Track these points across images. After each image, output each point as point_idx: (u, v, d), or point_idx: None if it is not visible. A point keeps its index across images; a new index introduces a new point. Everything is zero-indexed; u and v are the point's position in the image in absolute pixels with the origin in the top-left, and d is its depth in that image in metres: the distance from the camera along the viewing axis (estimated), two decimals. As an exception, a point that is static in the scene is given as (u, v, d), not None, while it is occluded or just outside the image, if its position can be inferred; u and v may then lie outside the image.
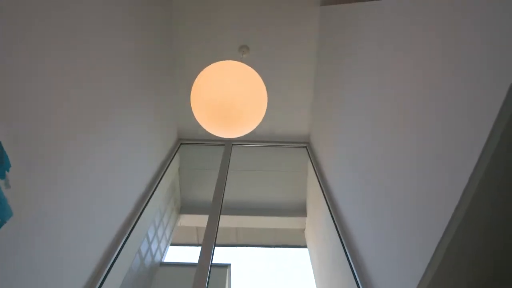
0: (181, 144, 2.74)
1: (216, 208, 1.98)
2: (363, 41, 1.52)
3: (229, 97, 1.07)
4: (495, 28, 0.65)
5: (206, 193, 3.04)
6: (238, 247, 2.91)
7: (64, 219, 1.09)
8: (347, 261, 1.55)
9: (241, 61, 2.39)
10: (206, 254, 1.65)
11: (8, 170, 0.80)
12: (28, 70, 0.89)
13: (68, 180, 1.11)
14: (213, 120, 1.12)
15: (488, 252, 0.83)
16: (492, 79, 0.65)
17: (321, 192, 2.19)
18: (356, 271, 1.43)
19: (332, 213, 1.93)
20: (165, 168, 2.30)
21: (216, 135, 1.25)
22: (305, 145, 2.73)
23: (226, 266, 2.57)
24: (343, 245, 1.65)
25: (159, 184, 2.14)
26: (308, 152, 2.65)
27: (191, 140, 2.77)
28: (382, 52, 1.29)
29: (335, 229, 1.81)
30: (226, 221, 2.40)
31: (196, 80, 1.15)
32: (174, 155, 2.54)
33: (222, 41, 2.44)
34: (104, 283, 1.32)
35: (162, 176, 2.22)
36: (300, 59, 2.51)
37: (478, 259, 0.84)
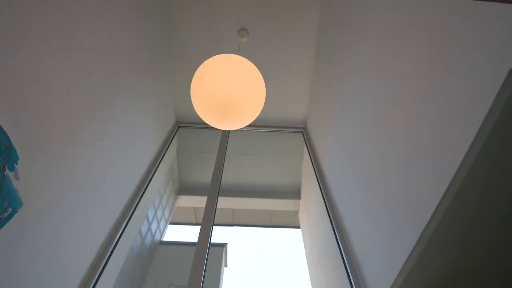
0: (179, 127, 2.77)
1: (214, 190, 2.06)
2: (363, 30, 1.53)
3: (229, 92, 1.10)
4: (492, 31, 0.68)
5: (203, 175, 3.12)
6: (234, 227, 3.04)
7: (69, 205, 1.15)
8: (336, 243, 1.65)
9: (240, 44, 2.38)
10: (205, 233, 1.74)
11: (16, 163, 0.85)
12: (30, 67, 0.91)
13: (71, 167, 1.15)
14: (213, 113, 1.15)
15: (471, 243, 0.90)
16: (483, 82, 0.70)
17: (315, 177, 2.27)
18: (344, 252, 1.53)
19: (325, 197, 2.02)
20: (164, 151, 2.35)
21: (216, 127, 1.29)
22: (302, 130, 2.77)
23: (223, 245, 2.70)
24: (333, 227, 1.75)
25: (159, 167, 2.20)
26: (304, 138, 2.70)
27: (188, 124, 2.80)
28: (382, 42, 1.31)
29: (327, 212, 1.90)
30: (223, 202, 2.48)
31: (196, 73, 1.17)
32: (172, 139, 2.58)
33: (221, 24, 2.40)
34: (108, 263, 1.40)
35: (161, 159, 2.27)
36: (299, 44, 2.49)
37: (461, 247, 0.92)
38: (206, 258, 1.60)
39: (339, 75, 1.93)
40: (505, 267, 0.97)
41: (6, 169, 0.81)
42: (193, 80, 1.18)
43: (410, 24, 1.05)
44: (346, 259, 1.49)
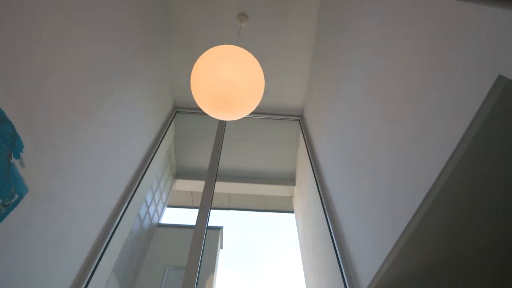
0: (176, 112, 2.78)
1: (212, 176, 2.11)
2: (363, 18, 1.53)
3: (228, 85, 1.12)
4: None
5: (200, 159, 3.16)
6: (230, 211, 3.12)
7: (71, 190, 1.19)
8: (327, 228, 1.73)
9: (240, 30, 2.36)
10: (203, 217, 1.81)
11: (22, 151, 0.87)
12: (31, 56, 0.92)
13: (73, 154, 1.18)
14: (212, 105, 1.17)
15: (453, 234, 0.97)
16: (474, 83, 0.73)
17: (310, 164, 2.32)
18: (335, 237, 1.60)
19: (318, 184, 2.08)
20: (162, 136, 2.38)
21: (216, 118, 1.31)
22: (298, 118, 2.80)
23: (219, 228, 2.79)
24: (325, 212, 1.82)
25: (157, 152, 2.23)
26: (300, 125, 2.74)
27: (186, 109, 2.80)
28: (382, 32, 1.32)
29: (320, 198, 1.97)
30: (219, 187, 2.54)
31: (196, 64, 1.18)
32: (170, 123, 2.59)
33: (220, 8, 2.37)
34: (109, 245, 1.46)
35: (159, 144, 2.30)
36: (299, 31, 2.47)
37: (442, 240, 0.98)
38: (204, 241, 1.67)
39: (338, 65, 1.94)
40: (480, 260, 1.05)
41: (12, 157, 0.84)
42: (193, 71, 1.19)
43: (410, 20, 1.07)
44: (337, 244, 1.56)
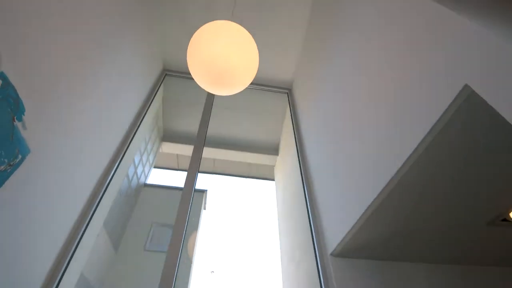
0: (166, 75, 2.75)
1: (200, 142, 2.20)
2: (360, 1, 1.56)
3: (224, 61, 1.15)
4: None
5: (187, 124, 3.21)
6: (214, 175, 3.26)
7: (67, 152, 1.25)
8: (304, 196, 1.90)
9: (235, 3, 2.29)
10: (190, 180, 1.92)
11: (24, 114, 0.91)
12: (32, 24, 0.92)
13: (68, 117, 1.22)
14: (209, 80, 1.21)
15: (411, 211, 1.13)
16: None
17: (294, 136, 2.45)
18: (310, 205, 1.78)
19: (299, 155, 2.22)
20: (151, 99, 2.39)
21: (212, 92, 1.35)
22: (287, 91, 2.86)
23: (203, 191, 2.94)
24: (303, 183, 1.98)
25: (146, 114, 2.26)
26: (288, 99, 2.81)
27: (176, 72, 2.78)
28: (374, 19, 1.37)
29: (300, 169, 2.12)
30: (205, 152, 2.64)
31: (192, 38, 1.19)
32: (159, 86, 2.59)
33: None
34: (100, 203, 1.56)
35: (149, 106, 2.32)
36: (294, 6, 2.43)
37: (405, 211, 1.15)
38: (191, 202, 1.80)
39: (329, 45, 1.97)
40: (426, 232, 1.25)
41: (15, 120, 0.88)
42: (189, 47, 1.21)
43: (398, 17, 1.12)
44: (310, 211, 1.75)
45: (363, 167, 1.23)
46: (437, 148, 0.87)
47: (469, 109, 0.77)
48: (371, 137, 1.20)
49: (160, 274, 1.39)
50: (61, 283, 1.25)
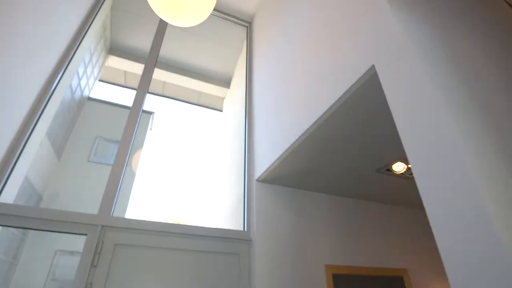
0: (116, -21, 2.45)
1: (151, 62, 2.17)
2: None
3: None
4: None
5: (138, 39, 3.01)
6: (162, 98, 3.25)
7: (10, 57, 1.20)
8: (244, 128, 2.14)
9: None
10: (139, 99, 1.98)
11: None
12: None
13: (6, 26, 1.14)
14: (168, 10, 1.19)
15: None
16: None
17: (245, 71, 2.55)
18: (247, 136, 2.03)
19: (247, 90, 2.38)
20: (98, 6, 2.17)
21: (166, 20, 1.32)
22: (247, 25, 2.82)
23: (150, 113, 2.97)
24: (245, 116, 2.20)
25: (92, 23, 2.09)
26: (247, 33, 2.79)
27: (128, -22, 2.49)
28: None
29: (245, 104, 2.31)
30: (155, 73, 2.60)
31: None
32: (107, -8, 2.33)
33: None
34: (43, 113, 1.56)
35: (96, 14, 2.13)
36: None
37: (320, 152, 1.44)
38: (138, 122, 1.89)
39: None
40: (335, 168, 1.60)
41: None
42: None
43: None
44: (247, 141, 2.01)
45: (292, 112, 1.46)
46: (344, 108, 1.12)
47: (371, 85, 0.99)
48: (302, 88, 1.41)
49: (103, 185, 1.54)
50: (6, 185, 1.34)
